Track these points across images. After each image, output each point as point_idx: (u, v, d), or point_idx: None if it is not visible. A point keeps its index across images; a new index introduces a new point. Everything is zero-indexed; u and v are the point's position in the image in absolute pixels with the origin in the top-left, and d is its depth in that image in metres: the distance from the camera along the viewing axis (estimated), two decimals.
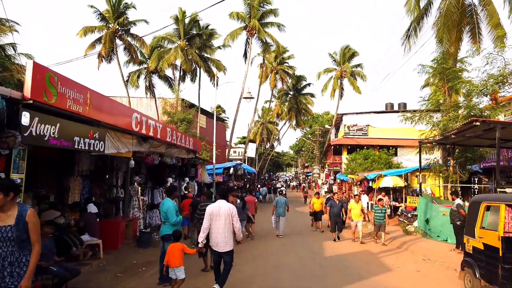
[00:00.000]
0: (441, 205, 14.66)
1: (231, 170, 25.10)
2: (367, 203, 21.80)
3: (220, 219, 6.10)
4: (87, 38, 31.76)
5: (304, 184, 52.60)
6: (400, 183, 21.91)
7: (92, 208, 9.97)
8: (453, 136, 13.53)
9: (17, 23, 27.57)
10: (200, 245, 6.26)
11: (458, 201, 11.98)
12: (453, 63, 17.84)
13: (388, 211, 20.91)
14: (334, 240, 13.90)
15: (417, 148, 17.07)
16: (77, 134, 7.01)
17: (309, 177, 66.26)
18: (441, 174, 16.62)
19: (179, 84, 33.16)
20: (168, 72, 36.80)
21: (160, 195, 13.17)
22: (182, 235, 8.07)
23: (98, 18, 31.85)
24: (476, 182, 18.64)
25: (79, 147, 7.07)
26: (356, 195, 15.76)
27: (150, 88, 37.27)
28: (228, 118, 60.24)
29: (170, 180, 14.94)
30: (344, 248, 12.34)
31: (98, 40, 32.34)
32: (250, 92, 20.85)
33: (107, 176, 12.06)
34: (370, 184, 24.09)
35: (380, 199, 14.37)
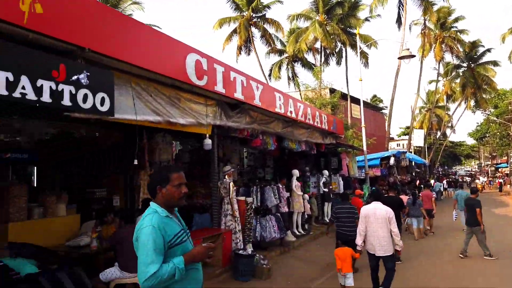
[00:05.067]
0: None
1: (392, 161, 19.12)
2: None
3: (376, 223, 5.62)
4: (223, 30, 30.39)
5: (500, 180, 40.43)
6: None
7: None
8: None
9: (158, 27, 27.84)
10: (358, 248, 5.81)
11: None
12: None
13: None
14: None
15: None
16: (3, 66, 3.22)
17: (499, 170, 52.65)
18: None
19: (320, 65, 28.52)
20: (310, 58, 32.78)
21: (275, 193, 8.82)
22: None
23: (232, 7, 30.00)
24: None
25: (11, 94, 3.26)
26: None
27: (293, 78, 33.81)
28: (386, 107, 52.34)
29: (296, 173, 10.49)
30: None
31: (234, 31, 30.52)
32: (408, 49, 14.80)
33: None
34: None
35: None
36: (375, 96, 59.69)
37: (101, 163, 8.12)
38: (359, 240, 5.77)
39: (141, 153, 7.70)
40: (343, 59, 30.84)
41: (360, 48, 21.46)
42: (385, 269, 5.67)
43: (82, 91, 3.92)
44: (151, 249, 2.16)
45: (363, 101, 17.09)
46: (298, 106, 9.55)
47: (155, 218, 2.28)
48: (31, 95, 3.43)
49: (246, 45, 31.53)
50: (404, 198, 11.81)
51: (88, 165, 8.59)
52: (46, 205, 5.98)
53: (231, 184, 7.20)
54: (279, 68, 33.53)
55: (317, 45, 30.00)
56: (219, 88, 6.14)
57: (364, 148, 15.82)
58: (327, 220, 12.97)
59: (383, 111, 50.11)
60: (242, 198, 7.77)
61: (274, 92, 8.29)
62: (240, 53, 31.69)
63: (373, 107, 43.67)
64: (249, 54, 32.41)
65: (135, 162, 5.21)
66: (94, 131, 8.35)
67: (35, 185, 9.24)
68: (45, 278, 3.91)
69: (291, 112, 9.01)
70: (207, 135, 6.45)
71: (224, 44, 31.01)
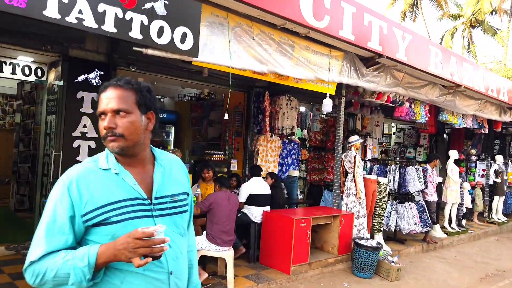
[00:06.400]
0: None
1: None
2: None
3: None
4: None
5: None
6: None
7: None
8: None
9: None
10: None
11: None
12: None
13: None
14: None
15: None
16: None
17: None
18: None
19: (508, 29, 23.01)
20: (494, 22, 26.92)
21: (420, 176, 7.00)
22: None
23: None
24: None
25: (64, 18, 2.79)
26: None
27: (469, 47, 28.47)
28: None
29: (454, 155, 8.29)
30: None
31: None
32: None
33: None
34: None
35: None
36: None
37: (223, 126, 7.86)
38: None
39: (262, 116, 7.07)
40: None
41: None
42: None
43: (157, 23, 3.27)
44: (45, 221, 1.21)
45: None
46: (464, 66, 7.33)
47: (77, 170, 1.26)
48: (90, 22, 2.91)
49: (412, 10, 27.81)
50: None
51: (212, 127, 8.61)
52: None
53: (357, 157, 5.85)
54: (452, 35, 28.61)
55: (506, 5, 24.24)
56: (346, 33, 4.81)
57: None
58: (496, 219, 10.25)
59: None
60: (373, 177, 6.32)
61: (429, 45, 6.38)
62: (404, 19, 28.15)
63: None
64: (414, 20, 28.54)
65: (226, 116, 4.45)
66: (219, 92, 8.09)
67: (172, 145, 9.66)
68: None
69: (452, 74, 6.92)
70: (328, 95, 5.24)
71: (387, 9, 27.96)
